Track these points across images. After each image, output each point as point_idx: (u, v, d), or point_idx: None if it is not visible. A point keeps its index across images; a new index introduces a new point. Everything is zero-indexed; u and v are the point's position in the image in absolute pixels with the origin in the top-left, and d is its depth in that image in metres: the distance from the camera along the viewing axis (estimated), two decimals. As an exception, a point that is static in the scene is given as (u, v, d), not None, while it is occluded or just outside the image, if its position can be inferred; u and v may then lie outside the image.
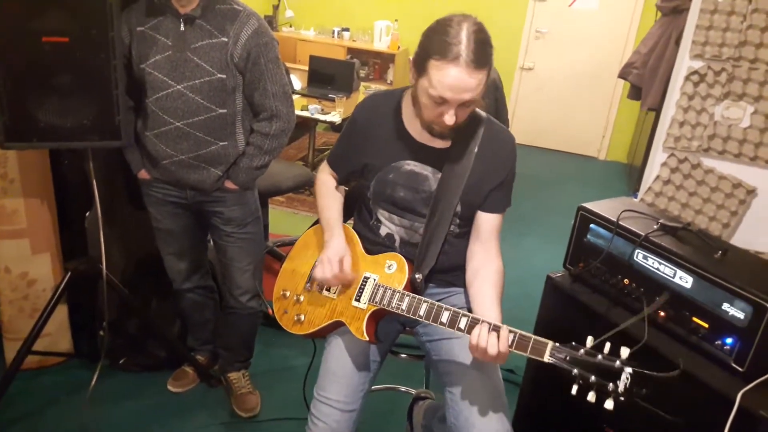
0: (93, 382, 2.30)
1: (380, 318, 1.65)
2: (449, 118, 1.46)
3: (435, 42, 1.41)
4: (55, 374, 2.56)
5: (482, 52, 1.41)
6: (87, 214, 2.45)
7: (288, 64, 5.65)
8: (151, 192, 2.20)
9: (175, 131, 2.00)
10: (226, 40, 1.94)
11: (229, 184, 2.13)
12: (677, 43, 4.02)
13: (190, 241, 2.32)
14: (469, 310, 1.65)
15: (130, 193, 2.46)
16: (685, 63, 2.06)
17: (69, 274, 2.25)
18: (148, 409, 2.44)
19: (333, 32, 6.66)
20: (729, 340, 1.55)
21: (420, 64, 1.46)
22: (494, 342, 1.38)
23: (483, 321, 1.43)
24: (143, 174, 2.17)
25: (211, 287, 2.53)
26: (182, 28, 1.93)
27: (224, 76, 1.96)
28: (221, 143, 2.05)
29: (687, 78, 2.05)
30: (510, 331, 1.39)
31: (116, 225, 2.53)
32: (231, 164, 2.10)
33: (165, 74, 1.95)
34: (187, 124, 1.99)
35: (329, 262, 1.61)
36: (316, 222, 1.87)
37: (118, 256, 2.60)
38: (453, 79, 1.40)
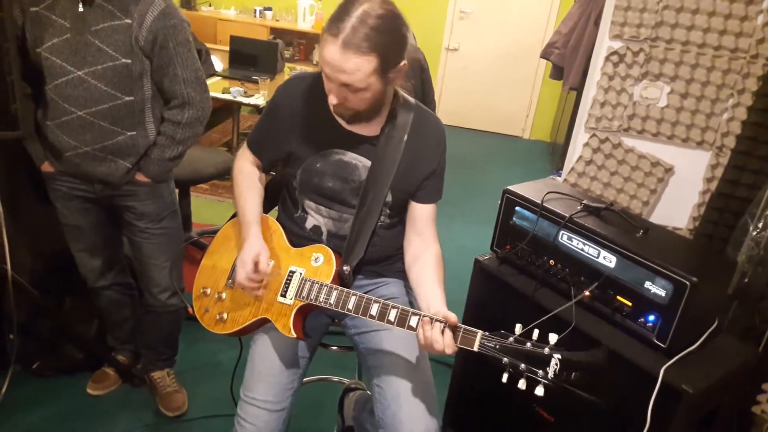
0: (4, 390, 2.16)
1: (308, 313, 1.59)
2: (331, 97, 1.43)
3: (334, 13, 1.37)
4: (-39, 384, 2.37)
5: (367, 37, 1.32)
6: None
7: (208, 45, 5.43)
8: (56, 186, 2.05)
9: (78, 120, 1.86)
10: (129, 21, 1.81)
11: (140, 177, 2.01)
12: (596, 23, 4.11)
13: (102, 237, 2.18)
14: (410, 303, 1.66)
15: (35, 186, 2.28)
16: (605, 43, 2.08)
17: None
18: (66, 415, 2.30)
19: (255, 12, 6.46)
20: (651, 318, 1.59)
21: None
22: (439, 338, 1.35)
23: (413, 312, 1.39)
24: (46, 167, 2.02)
25: (129, 284, 2.39)
26: (81, 8, 1.78)
27: (129, 61, 1.83)
28: (129, 133, 1.92)
29: (607, 58, 2.08)
30: (436, 320, 1.35)
31: (21, 221, 2.34)
32: (141, 155, 1.98)
33: (64, 59, 1.80)
34: (90, 113, 1.85)
35: (242, 264, 1.53)
36: (237, 212, 1.79)
37: (25, 255, 2.41)
38: (328, 55, 1.36)
